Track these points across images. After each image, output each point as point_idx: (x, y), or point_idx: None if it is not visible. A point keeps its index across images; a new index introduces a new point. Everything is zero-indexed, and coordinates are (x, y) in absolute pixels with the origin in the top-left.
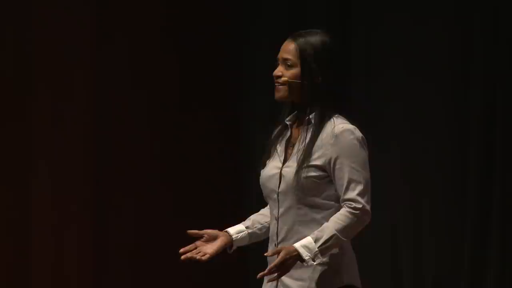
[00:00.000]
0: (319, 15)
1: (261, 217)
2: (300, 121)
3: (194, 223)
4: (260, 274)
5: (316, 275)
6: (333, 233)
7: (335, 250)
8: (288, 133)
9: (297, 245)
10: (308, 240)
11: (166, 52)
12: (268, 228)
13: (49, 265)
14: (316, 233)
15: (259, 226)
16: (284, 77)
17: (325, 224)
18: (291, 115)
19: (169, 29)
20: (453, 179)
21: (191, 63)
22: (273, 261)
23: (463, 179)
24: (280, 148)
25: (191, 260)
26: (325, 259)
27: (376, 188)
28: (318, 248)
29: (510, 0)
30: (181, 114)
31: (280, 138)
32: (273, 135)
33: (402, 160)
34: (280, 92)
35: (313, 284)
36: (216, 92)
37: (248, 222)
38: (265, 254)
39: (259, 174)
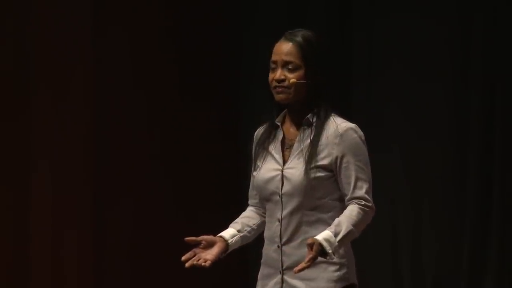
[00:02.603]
0: (319, 15)
1: (247, 219)
2: (294, 121)
3: (193, 223)
4: (298, 269)
5: (324, 274)
6: (350, 228)
7: (342, 248)
8: (280, 134)
9: (320, 238)
10: (328, 234)
11: (166, 52)
12: (256, 230)
13: (48, 265)
14: (334, 227)
15: (249, 229)
16: (290, 80)
17: (339, 220)
18: (279, 115)
19: (169, 29)
20: (453, 179)
21: (190, 63)
22: (271, 260)
23: (463, 179)
24: (274, 149)
25: (195, 267)
26: (337, 255)
27: (376, 188)
28: (337, 242)
29: (510, 0)
30: (180, 114)
31: (270, 139)
32: (259, 136)
33: (402, 160)
34: (285, 94)
35: (322, 283)
36: (216, 92)
37: (238, 225)
38: (307, 242)
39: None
